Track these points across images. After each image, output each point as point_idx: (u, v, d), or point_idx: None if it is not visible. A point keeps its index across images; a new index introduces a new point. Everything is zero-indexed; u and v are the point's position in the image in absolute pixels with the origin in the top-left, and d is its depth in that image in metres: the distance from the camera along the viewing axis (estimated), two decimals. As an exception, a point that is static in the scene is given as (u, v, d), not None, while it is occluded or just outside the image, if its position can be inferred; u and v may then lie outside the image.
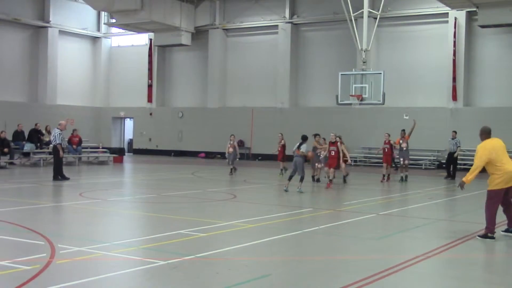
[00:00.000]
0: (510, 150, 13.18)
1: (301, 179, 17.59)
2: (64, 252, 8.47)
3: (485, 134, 10.74)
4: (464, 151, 29.29)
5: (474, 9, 29.86)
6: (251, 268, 8.01)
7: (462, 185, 10.68)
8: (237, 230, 10.88)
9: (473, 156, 31.65)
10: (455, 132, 25.24)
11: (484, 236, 10.51)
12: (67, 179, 20.25)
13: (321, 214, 13.43)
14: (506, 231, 10.72)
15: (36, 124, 29.16)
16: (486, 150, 10.41)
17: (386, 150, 22.99)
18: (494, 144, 10.54)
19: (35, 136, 28.46)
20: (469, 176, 10.45)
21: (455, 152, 24.55)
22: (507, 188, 10.51)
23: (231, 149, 24.24)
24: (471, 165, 26.03)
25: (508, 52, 31.23)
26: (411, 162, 32.11)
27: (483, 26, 29.93)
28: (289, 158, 23.83)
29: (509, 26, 29.49)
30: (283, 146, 24.88)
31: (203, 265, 8.06)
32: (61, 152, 20.46)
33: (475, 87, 32.07)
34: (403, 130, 23.55)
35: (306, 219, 12.56)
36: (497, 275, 8.31)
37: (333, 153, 19.69)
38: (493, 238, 10.47)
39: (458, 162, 26.23)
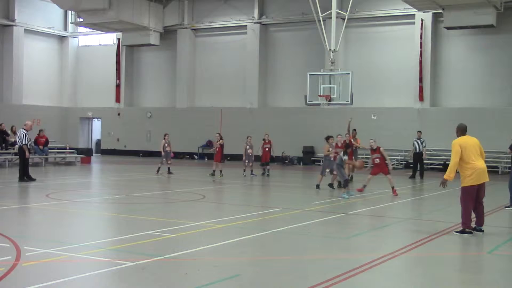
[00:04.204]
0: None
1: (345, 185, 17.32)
2: (30, 254, 8.34)
3: (460, 131, 11.00)
4: (431, 151, 29.73)
5: (440, 11, 30.34)
6: (220, 269, 7.99)
7: (444, 183, 10.81)
8: (206, 230, 10.85)
9: (439, 155, 32.09)
10: (420, 132, 25.57)
11: (462, 231, 10.74)
12: (33, 180, 19.96)
13: (290, 214, 13.47)
14: (474, 229, 10.89)
15: (1, 125, 28.67)
16: (458, 146, 10.62)
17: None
18: (465, 142, 10.73)
19: (0, 136, 27.99)
20: (450, 174, 10.61)
21: (421, 152, 24.85)
22: (479, 186, 10.71)
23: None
24: (438, 164, 26.65)
25: (473, 53, 31.76)
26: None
27: (448, 28, 30.40)
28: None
29: (474, 28, 29.98)
30: (221, 146, 24.34)
31: (172, 266, 8.01)
32: (27, 153, 20.15)
33: (441, 88, 32.53)
34: (354, 130, 23.46)
35: (275, 219, 12.58)
36: (467, 273, 8.41)
37: (377, 160, 17.99)
38: (470, 233, 10.68)
39: (425, 162, 26.58)
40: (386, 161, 17.94)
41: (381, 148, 17.97)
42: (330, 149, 19.09)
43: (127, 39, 39.49)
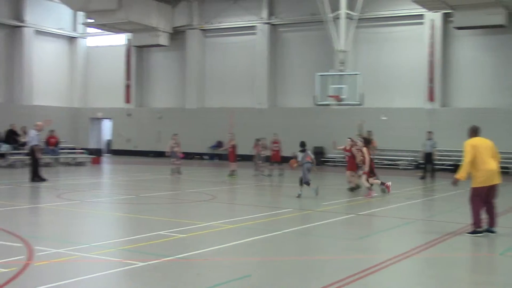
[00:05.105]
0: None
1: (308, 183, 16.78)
2: (41, 254, 8.38)
3: (473, 132, 10.98)
4: (441, 152, 29.59)
5: (450, 11, 30.22)
6: (231, 269, 8.00)
7: (455, 182, 10.78)
8: (217, 230, 10.86)
9: (450, 156, 31.86)
10: (431, 132, 25.47)
11: (473, 232, 10.72)
12: (44, 180, 20.04)
13: (301, 215, 13.45)
14: (486, 230, 10.84)
15: (12, 125, 28.81)
16: (470, 147, 10.60)
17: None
18: (477, 143, 10.70)
19: (11, 137, 28.13)
20: (462, 173, 10.58)
21: (431, 152, 24.75)
22: (489, 187, 10.66)
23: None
24: (449, 165, 26.45)
25: (483, 53, 31.61)
26: (390, 162, 32.48)
27: (459, 28, 30.29)
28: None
29: (484, 28, 29.85)
30: (234, 147, 24.39)
31: (183, 266, 8.02)
32: (38, 154, 20.23)
33: (451, 88, 32.40)
34: (370, 131, 23.32)
35: (286, 220, 12.57)
36: (479, 274, 8.38)
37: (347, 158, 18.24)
38: (481, 233, 10.66)
39: (435, 162, 26.45)
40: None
41: (353, 148, 17.68)
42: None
43: (137, 39, 39.61)
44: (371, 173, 17.58)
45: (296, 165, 17.03)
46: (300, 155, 16.92)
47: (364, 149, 17.42)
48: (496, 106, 30.69)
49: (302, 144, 17.18)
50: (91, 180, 22.58)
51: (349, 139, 19.03)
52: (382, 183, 17.64)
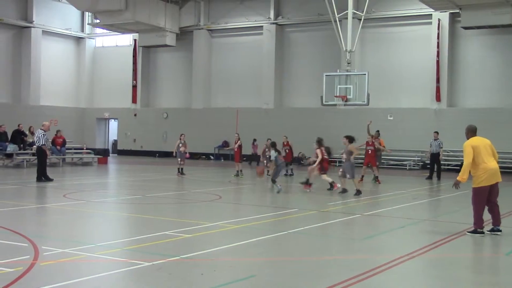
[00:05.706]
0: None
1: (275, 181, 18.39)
2: (47, 254, 8.40)
3: (471, 132, 10.93)
4: (448, 152, 29.52)
5: (457, 10, 30.14)
6: (236, 269, 8.00)
7: (457, 184, 10.74)
8: (222, 231, 10.86)
9: (457, 156, 31.78)
10: (437, 132, 25.39)
11: (474, 231, 10.70)
12: (50, 180, 20.09)
13: (306, 215, 13.45)
14: (491, 230, 10.82)
15: (19, 125, 28.91)
16: (470, 148, 10.55)
17: (370, 152, 22.44)
18: (477, 143, 10.67)
19: (18, 137, 28.21)
20: (463, 175, 10.54)
21: (438, 153, 24.67)
22: (491, 187, 10.64)
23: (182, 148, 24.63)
24: (455, 165, 26.53)
25: (490, 53, 31.52)
26: (396, 162, 32.41)
27: (466, 28, 30.20)
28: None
29: (491, 28, 29.75)
30: (240, 147, 24.67)
31: (188, 266, 8.03)
32: (48, 153, 20.30)
33: (458, 88, 32.31)
34: (378, 131, 23.59)
35: (291, 220, 12.57)
36: (484, 274, 8.35)
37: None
38: (482, 233, 10.65)
39: (442, 162, 26.39)
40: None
41: (317, 150, 18.41)
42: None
43: (144, 40, 39.68)
44: (322, 171, 18.53)
45: (266, 169, 18.28)
46: (273, 155, 18.24)
47: (318, 151, 18.36)
48: (503, 106, 30.60)
49: (273, 145, 18.95)
50: (97, 180, 22.63)
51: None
52: (331, 183, 18.23)
